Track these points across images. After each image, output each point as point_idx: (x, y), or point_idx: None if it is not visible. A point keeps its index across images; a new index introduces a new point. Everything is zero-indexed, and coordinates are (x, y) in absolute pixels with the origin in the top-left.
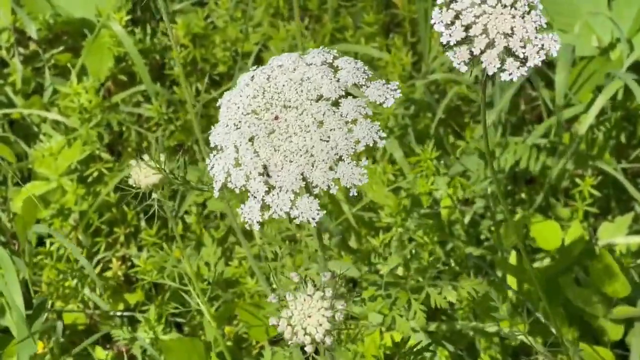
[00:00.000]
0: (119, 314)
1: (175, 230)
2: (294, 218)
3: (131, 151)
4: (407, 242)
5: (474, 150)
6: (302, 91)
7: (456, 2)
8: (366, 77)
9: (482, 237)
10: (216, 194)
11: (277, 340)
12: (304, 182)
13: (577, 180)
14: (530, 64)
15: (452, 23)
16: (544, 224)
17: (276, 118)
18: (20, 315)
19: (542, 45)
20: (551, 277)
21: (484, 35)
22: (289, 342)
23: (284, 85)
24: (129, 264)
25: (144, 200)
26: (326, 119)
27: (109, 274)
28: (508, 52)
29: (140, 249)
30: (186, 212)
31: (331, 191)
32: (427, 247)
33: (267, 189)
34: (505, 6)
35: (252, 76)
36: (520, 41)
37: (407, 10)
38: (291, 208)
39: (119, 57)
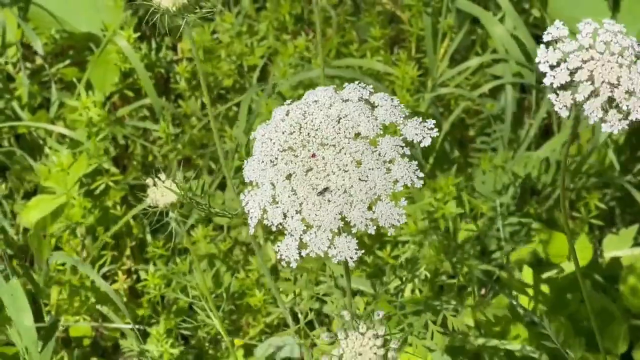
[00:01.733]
0: (126, 327)
1: (188, 244)
2: (332, 257)
3: (137, 165)
4: (421, 260)
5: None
6: (339, 129)
7: (563, 42)
8: (403, 115)
9: (489, 250)
10: (251, 230)
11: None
12: (343, 222)
13: (583, 193)
14: (632, 117)
15: (558, 64)
16: (551, 237)
17: (313, 156)
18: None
19: None
20: (558, 291)
21: (589, 82)
22: None
23: (321, 122)
24: (135, 277)
25: (160, 218)
26: (364, 158)
27: (115, 286)
28: (611, 102)
29: (146, 262)
30: (193, 225)
31: (369, 231)
32: (434, 262)
33: (304, 227)
34: (613, 54)
35: (287, 111)
36: (625, 92)
37: (415, 26)
38: (329, 247)
39: (125, 72)
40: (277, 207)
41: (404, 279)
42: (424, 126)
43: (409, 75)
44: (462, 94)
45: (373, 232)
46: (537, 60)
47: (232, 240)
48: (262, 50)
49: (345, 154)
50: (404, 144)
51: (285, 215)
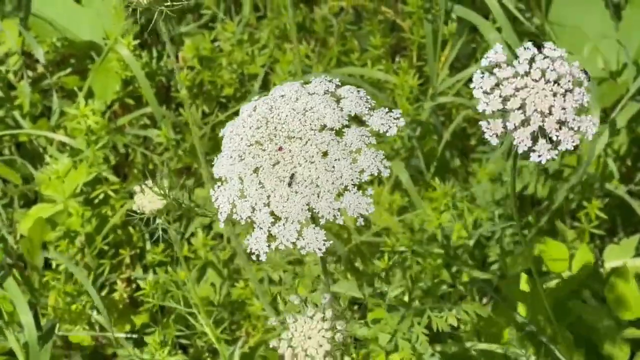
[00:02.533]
0: (125, 335)
1: (180, 253)
2: (301, 248)
3: (137, 173)
4: (413, 265)
5: (485, 179)
6: (305, 121)
7: (500, 68)
8: (369, 106)
9: (489, 260)
10: (221, 224)
11: None
12: (310, 213)
13: (584, 202)
14: (562, 147)
15: (492, 91)
16: (552, 247)
17: (280, 149)
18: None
19: (579, 127)
20: (558, 300)
21: (520, 111)
22: None
23: (287, 116)
24: (134, 285)
25: (149, 224)
26: (330, 149)
27: (114, 295)
28: (542, 132)
29: (145, 270)
30: (192, 234)
31: (337, 221)
32: (432, 270)
33: (273, 220)
34: (548, 81)
35: (255, 106)
36: (557, 122)
37: (416, 34)
38: (297, 239)
39: (126, 80)
40: (246, 201)
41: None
42: (390, 116)
43: (409, 84)
44: (462, 102)
45: (342, 222)
46: (472, 85)
47: (231, 249)
48: (263, 59)
49: (311, 145)
50: (369, 134)
51: (253, 209)
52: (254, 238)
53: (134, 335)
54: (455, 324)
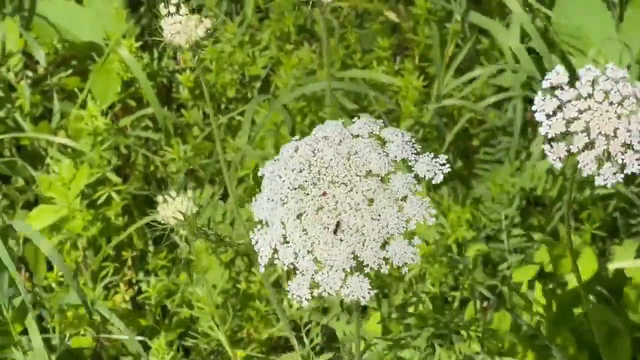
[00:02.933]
0: (127, 338)
1: (185, 255)
2: (345, 296)
3: (138, 174)
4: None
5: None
6: (350, 166)
7: (562, 90)
8: (415, 151)
9: (492, 263)
10: (262, 269)
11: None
12: (355, 262)
13: (586, 203)
14: (627, 171)
15: (554, 114)
16: (555, 249)
17: (324, 194)
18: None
19: None
20: (562, 304)
21: (584, 134)
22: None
23: (331, 160)
24: (137, 287)
25: (164, 231)
26: (376, 196)
27: (117, 297)
28: (607, 155)
29: (147, 273)
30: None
31: (382, 270)
32: (442, 278)
33: (316, 268)
34: (612, 103)
35: (296, 147)
36: (622, 146)
37: (421, 34)
38: (341, 287)
39: (127, 81)
40: (288, 247)
41: (409, 294)
42: (436, 162)
43: (413, 86)
44: (466, 105)
45: (387, 272)
46: (533, 108)
47: (233, 251)
48: (264, 61)
49: (356, 192)
50: (415, 181)
51: (296, 255)
52: (296, 284)
53: (138, 338)
54: (479, 350)
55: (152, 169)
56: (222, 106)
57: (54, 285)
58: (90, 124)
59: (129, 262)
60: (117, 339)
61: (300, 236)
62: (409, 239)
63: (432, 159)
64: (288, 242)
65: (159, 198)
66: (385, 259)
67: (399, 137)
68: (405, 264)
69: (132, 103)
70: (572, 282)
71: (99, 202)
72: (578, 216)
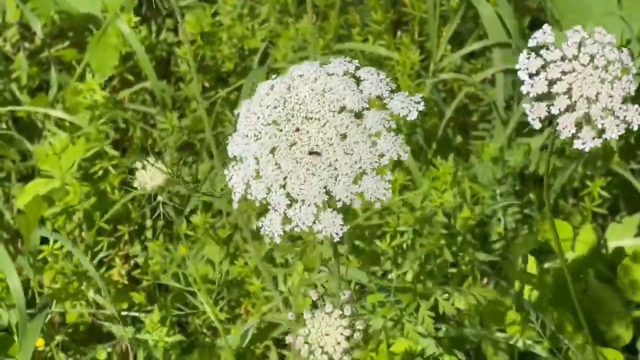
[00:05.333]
0: (122, 313)
1: (180, 232)
2: (317, 232)
3: (136, 148)
4: (416, 246)
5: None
6: (324, 102)
7: (547, 50)
8: (389, 88)
9: (490, 239)
10: (235, 205)
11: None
12: (327, 196)
13: (587, 181)
14: (606, 136)
15: (537, 73)
16: (553, 226)
17: (297, 130)
18: (22, 312)
19: (625, 117)
20: (560, 281)
21: (566, 96)
22: None
23: (305, 96)
24: (133, 262)
25: (149, 201)
26: (349, 132)
27: (113, 272)
28: (587, 119)
29: (144, 246)
30: (192, 211)
31: (354, 205)
32: (434, 251)
33: (289, 202)
34: (596, 67)
35: (272, 85)
36: (602, 110)
37: (417, 9)
38: (314, 222)
39: (125, 55)
40: (261, 182)
41: (399, 265)
42: (411, 100)
43: (410, 60)
44: (462, 79)
45: (359, 206)
46: (517, 66)
47: (231, 226)
48: (263, 33)
49: (329, 127)
50: (390, 118)
51: (269, 190)
52: (269, 220)
53: (132, 314)
54: (462, 307)
55: (151, 142)
56: (220, 79)
57: (49, 259)
58: (89, 97)
59: (126, 237)
60: (110, 314)
61: (272, 170)
62: (381, 175)
63: (406, 96)
64: (261, 177)
65: (137, 164)
66: (357, 193)
67: (374, 75)
68: (378, 199)
69: (130, 77)
70: (571, 258)
71: (96, 175)
72: (578, 193)
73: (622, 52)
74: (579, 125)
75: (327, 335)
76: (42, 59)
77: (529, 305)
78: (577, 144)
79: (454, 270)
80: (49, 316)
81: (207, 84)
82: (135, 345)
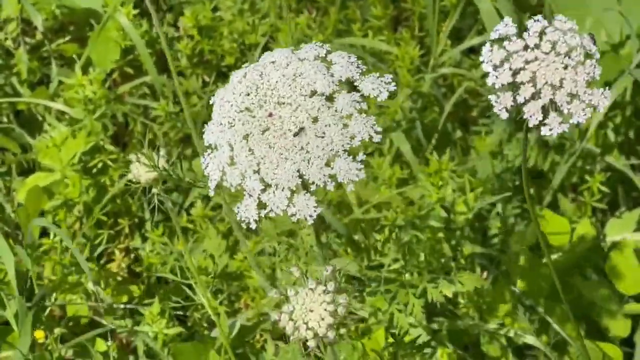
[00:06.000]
0: (122, 306)
1: (177, 224)
2: (291, 216)
3: (136, 142)
4: (412, 238)
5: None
6: (295, 87)
7: (509, 41)
8: (360, 71)
9: (489, 234)
10: (211, 192)
11: (280, 336)
12: (300, 179)
13: (586, 176)
14: (573, 120)
15: (501, 64)
16: (553, 220)
17: (270, 115)
18: (21, 304)
19: (590, 101)
20: (559, 275)
21: (530, 84)
22: (291, 337)
23: (277, 82)
24: (133, 255)
25: (144, 194)
26: (321, 115)
27: (112, 265)
28: (553, 105)
29: (144, 239)
30: (192, 204)
31: (328, 187)
32: (431, 244)
33: (262, 187)
34: (559, 54)
35: (245, 73)
36: (568, 95)
37: (416, 4)
38: (288, 206)
39: (125, 49)
40: (235, 168)
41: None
42: (382, 80)
43: (409, 55)
44: (462, 73)
45: (332, 189)
46: (480, 59)
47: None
48: (264, 28)
49: (301, 111)
50: (361, 100)
51: (243, 176)
52: (244, 206)
53: (132, 306)
54: (449, 295)
55: (151, 136)
56: (221, 73)
57: (48, 252)
58: (81, 92)
59: (126, 230)
60: (109, 307)
61: (246, 156)
62: (353, 156)
63: (377, 77)
64: (235, 164)
65: (132, 157)
66: (330, 175)
67: (345, 58)
68: (351, 181)
69: (130, 71)
70: (569, 253)
71: (95, 170)
72: (578, 188)
73: (583, 37)
74: (545, 112)
75: (311, 311)
76: (42, 53)
77: (525, 298)
78: (545, 131)
79: (452, 264)
80: (49, 309)
81: (207, 79)
82: (134, 338)
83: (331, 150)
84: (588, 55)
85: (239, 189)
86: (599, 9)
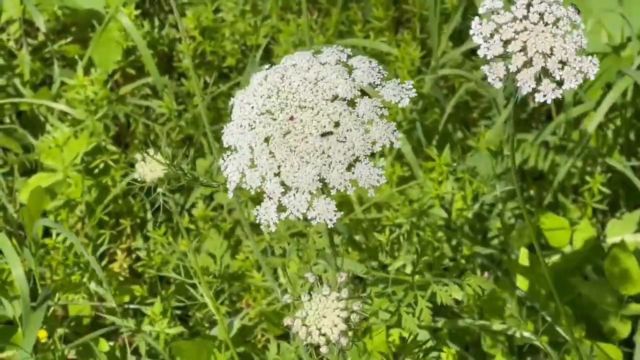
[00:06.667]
0: (124, 306)
1: (181, 224)
2: (311, 219)
3: (138, 143)
4: (415, 240)
5: (484, 149)
6: (317, 91)
7: (498, 14)
8: (381, 76)
9: (490, 234)
10: (230, 194)
11: (283, 335)
12: (321, 183)
13: (587, 177)
14: (566, 86)
15: (492, 36)
16: (553, 221)
17: (291, 118)
18: (26, 304)
19: (580, 68)
20: (559, 275)
21: (522, 53)
22: (304, 343)
23: (298, 85)
24: (135, 255)
25: (149, 194)
26: (342, 120)
27: (114, 265)
28: (545, 72)
29: (146, 239)
30: (193, 205)
31: (348, 192)
32: (433, 244)
33: (283, 190)
34: (547, 24)
35: (266, 75)
36: (559, 62)
37: (418, 6)
38: (308, 209)
39: (127, 49)
40: (256, 171)
41: (395, 256)
42: (402, 87)
43: (410, 57)
44: (463, 75)
45: (352, 193)
46: (471, 32)
47: (232, 220)
48: (265, 30)
49: (323, 115)
50: (382, 105)
51: (263, 179)
52: (264, 208)
53: (134, 306)
54: (459, 297)
55: (153, 137)
56: (223, 74)
57: (51, 251)
58: (83, 93)
59: (128, 230)
60: (112, 307)
61: (267, 159)
62: (374, 162)
63: (398, 84)
64: (255, 166)
65: (137, 156)
66: (351, 180)
67: (366, 64)
68: (372, 186)
69: (132, 72)
70: (569, 254)
71: (97, 170)
72: (579, 190)
73: (568, 9)
74: (538, 80)
75: (325, 317)
76: (45, 54)
77: (527, 298)
78: (539, 97)
79: (453, 263)
80: (52, 309)
81: (208, 80)
82: (136, 337)
83: (352, 155)
84: (574, 26)
85: (258, 191)
86: (600, 10)
